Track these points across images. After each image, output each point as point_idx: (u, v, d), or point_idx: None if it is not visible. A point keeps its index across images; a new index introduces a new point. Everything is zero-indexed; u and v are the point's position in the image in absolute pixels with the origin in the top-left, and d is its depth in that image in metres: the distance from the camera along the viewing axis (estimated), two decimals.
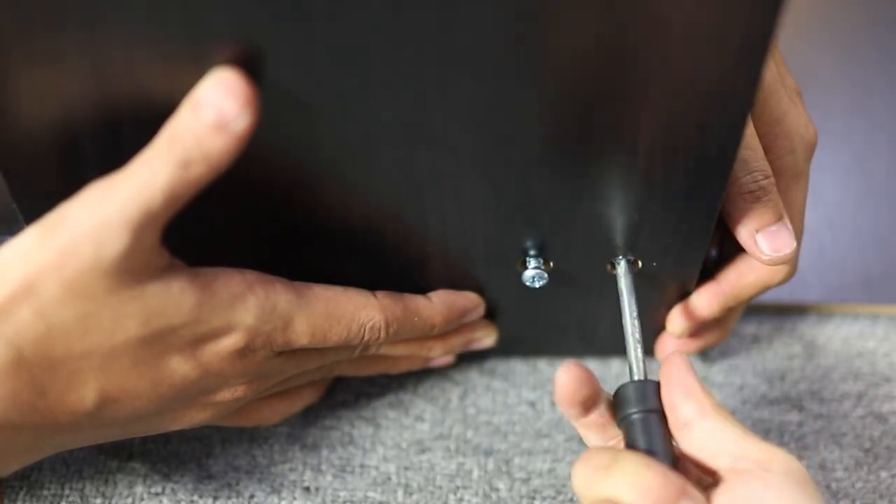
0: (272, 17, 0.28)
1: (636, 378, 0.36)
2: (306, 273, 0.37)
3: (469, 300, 0.41)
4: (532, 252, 0.38)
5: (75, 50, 0.29)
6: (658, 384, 0.35)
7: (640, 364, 0.36)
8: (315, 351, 0.37)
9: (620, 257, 0.38)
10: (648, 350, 0.48)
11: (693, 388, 0.34)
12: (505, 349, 0.48)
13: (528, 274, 0.39)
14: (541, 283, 0.39)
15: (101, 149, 0.32)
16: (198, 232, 0.33)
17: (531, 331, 0.46)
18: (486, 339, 0.44)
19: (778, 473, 0.31)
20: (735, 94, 0.30)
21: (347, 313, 0.36)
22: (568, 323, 0.45)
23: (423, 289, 0.41)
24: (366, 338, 0.37)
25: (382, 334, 0.37)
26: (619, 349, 0.48)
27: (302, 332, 0.35)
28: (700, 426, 0.33)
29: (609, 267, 0.39)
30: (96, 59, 0.29)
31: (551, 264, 0.39)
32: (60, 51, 0.29)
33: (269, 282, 0.34)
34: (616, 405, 0.35)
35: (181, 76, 0.29)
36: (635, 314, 0.37)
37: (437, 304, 0.40)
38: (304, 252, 0.38)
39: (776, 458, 0.32)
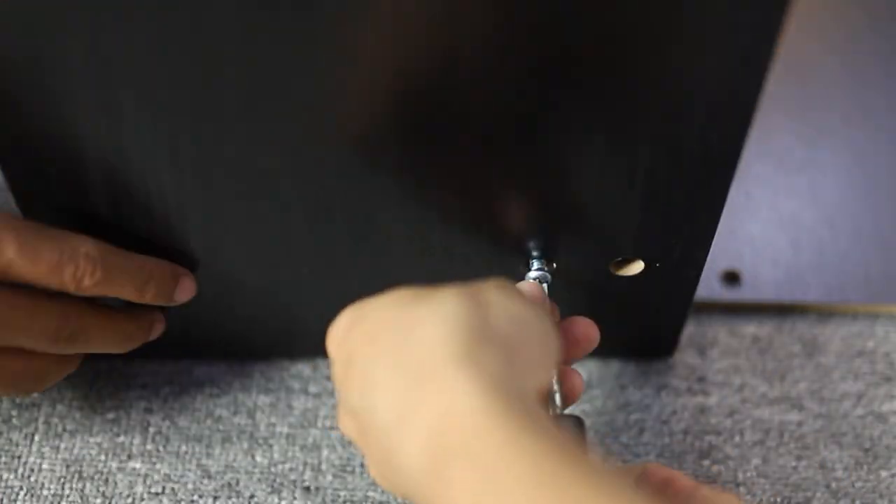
0: None
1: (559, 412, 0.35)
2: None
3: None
4: (535, 253, 0.38)
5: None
6: (577, 419, 0.34)
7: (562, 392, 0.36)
8: (29, 281, 0.35)
9: (535, 259, 0.39)
10: (667, 351, 0.48)
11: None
12: None
13: (532, 275, 0.39)
14: (544, 284, 0.39)
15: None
16: None
17: None
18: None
19: None
20: (739, 93, 0.30)
21: (59, 234, 0.35)
22: None
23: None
24: (80, 266, 0.35)
25: (98, 266, 0.36)
26: (622, 350, 0.48)
27: (8, 241, 0.33)
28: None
29: (612, 267, 0.39)
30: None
31: (554, 265, 0.39)
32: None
33: None
34: None
35: None
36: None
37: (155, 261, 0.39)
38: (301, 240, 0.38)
39: None
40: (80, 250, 0.35)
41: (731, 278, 0.51)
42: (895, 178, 0.55)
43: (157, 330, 0.42)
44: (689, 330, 0.50)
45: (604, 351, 0.48)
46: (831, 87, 0.59)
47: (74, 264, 0.35)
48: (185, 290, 0.40)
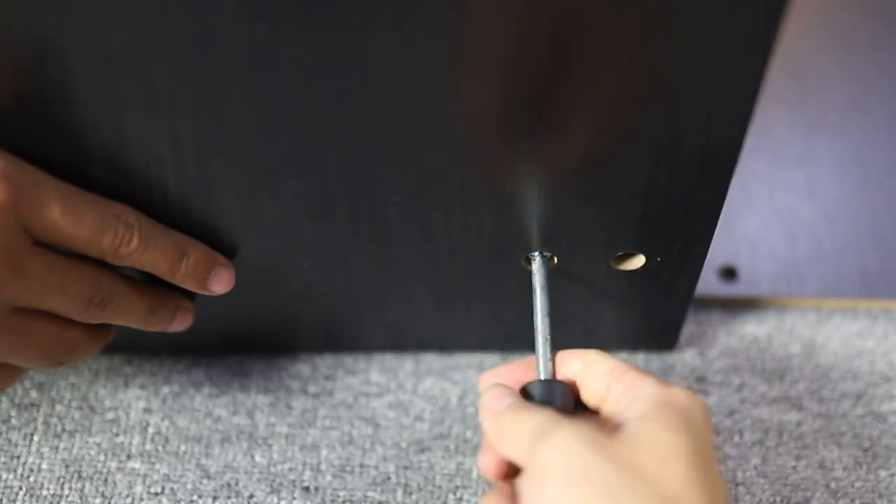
0: None
1: (542, 377, 0.36)
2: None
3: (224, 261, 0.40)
4: (536, 248, 0.38)
5: None
6: (564, 384, 0.35)
7: (548, 363, 0.36)
8: (69, 245, 0.36)
9: (536, 252, 0.39)
10: (667, 345, 0.48)
11: (574, 352, 0.36)
12: (506, 344, 0.48)
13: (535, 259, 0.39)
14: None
15: None
16: None
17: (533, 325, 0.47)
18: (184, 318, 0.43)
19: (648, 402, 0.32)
20: (740, 84, 0.30)
21: (102, 201, 0.36)
22: (570, 318, 0.45)
23: (427, 285, 0.41)
24: (120, 233, 0.36)
25: (136, 234, 0.36)
26: (623, 344, 0.48)
27: (54, 202, 0.34)
28: (589, 375, 0.35)
29: (613, 262, 0.39)
30: None
31: (555, 260, 0.39)
32: None
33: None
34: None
35: None
36: (546, 311, 0.37)
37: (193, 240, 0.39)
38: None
39: (643, 392, 0.32)
40: (121, 217, 0.36)
41: (729, 273, 0.51)
42: (892, 173, 0.55)
43: (183, 319, 0.41)
44: (689, 329, 0.50)
45: (606, 345, 0.48)
46: (828, 84, 0.60)
47: (114, 230, 0.35)
48: (221, 281, 0.40)
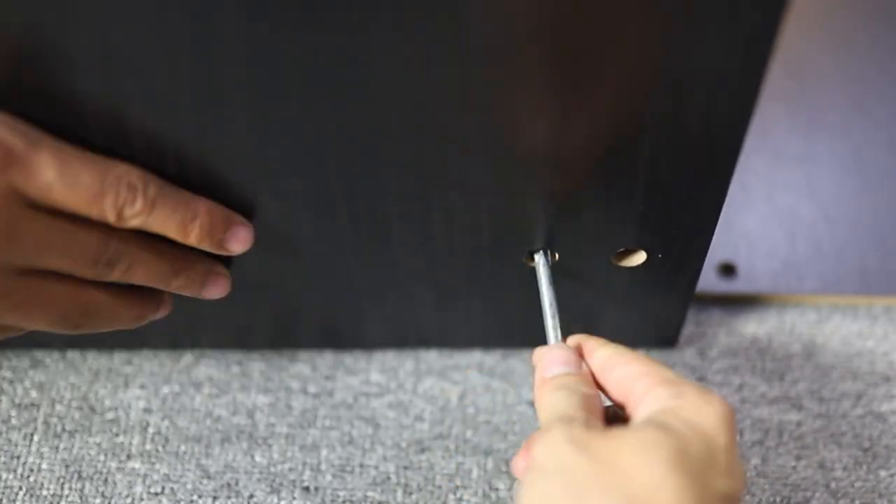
0: None
1: None
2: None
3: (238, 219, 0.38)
4: (538, 244, 0.39)
5: None
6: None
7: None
8: (67, 208, 0.34)
9: (539, 250, 0.39)
10: (668, 342, 0.48)
11: (603, 341, 0.37)
12: (506, 340, 0.48)
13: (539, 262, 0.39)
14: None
15: None
16: None
17: (534, 321, 0.47)
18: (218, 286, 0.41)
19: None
20: (741, 82, 0.30)
21: (102, 161, 0.34)
22: (571, 314, 0.45)
23: (427, 284, 0.41)
24: (122, 195, 0.34)
25: (140, 196, 0.34)
26: (624, 341, 0.48)
27: (48, 163, 0.32)
28: (617, 363, 0.36)
29: (614, 258, 0.39)
30: None
31: (556, 257, 0.39)
32: None
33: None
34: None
35: None
36: (554, 304, 0.38)
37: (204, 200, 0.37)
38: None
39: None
40: (123, 179, 0.34)
41: (728, 270, 0.51)
42: (891, 171, 0.56)
43: (217, 284, 0.39)
44: (689, 329, 0.50)
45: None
46: (828, 83, 0.60)
47: (115, 193, 0.33)
48: (239, 240, 0.37)
